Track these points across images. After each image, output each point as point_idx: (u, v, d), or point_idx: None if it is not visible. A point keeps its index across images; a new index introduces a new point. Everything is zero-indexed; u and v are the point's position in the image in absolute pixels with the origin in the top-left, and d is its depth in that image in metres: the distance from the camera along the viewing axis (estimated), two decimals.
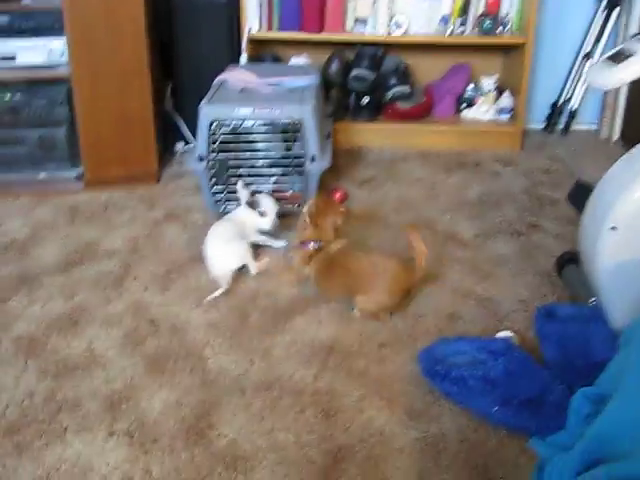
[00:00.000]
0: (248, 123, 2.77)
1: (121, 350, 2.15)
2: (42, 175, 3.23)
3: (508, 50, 3.69)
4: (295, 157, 2.80)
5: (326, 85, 3.45)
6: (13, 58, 3.15)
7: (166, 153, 3.45)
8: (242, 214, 2.68)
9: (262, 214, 2.65)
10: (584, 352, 1.99)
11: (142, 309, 2.34)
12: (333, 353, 2.13)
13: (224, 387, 2.00)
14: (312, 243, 2.36)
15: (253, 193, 2.71)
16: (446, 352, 2.03)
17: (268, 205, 2.68)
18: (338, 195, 3.00)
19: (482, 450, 1.78)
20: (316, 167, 2.79)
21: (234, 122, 2.76)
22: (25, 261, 2.63)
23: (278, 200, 2.74)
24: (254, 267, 2.54)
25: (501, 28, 3.47)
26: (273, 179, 2.83)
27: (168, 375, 2.04)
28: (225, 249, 2.51)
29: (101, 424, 1.87)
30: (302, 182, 2.82)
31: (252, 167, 2.83)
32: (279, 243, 2.71)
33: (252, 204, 2.66)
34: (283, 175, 2.84)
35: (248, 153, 2.81)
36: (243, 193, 2.68)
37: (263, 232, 2.69)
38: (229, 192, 2.83)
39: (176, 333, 2.22)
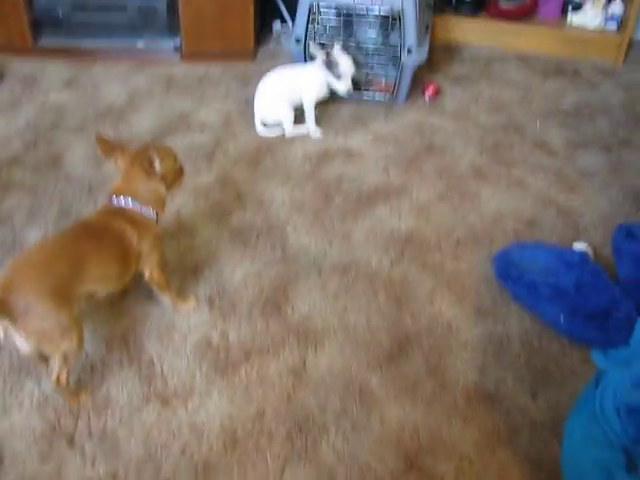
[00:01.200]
0: (350, 11, 2.75)
1: (207, 220, 2.25)
2: (141, 44, 3.29)
3: None
4: (392, 47, 2.78)
5: None
6: None
7: (263, 31, 3.45)
8: (305, 74, 2.68)
9: (338, 76, 2.64)
10: None
11: (230, 183, 2.42)
12: (410, 244, 2.18)
13: (302, 264, 2.09)
14: None
15: (328, 54, 2.65)
16: (521, 256, 2.06)
17: (346, 66, 2.63)
18: (431, 88, 2.98)
19: (543, 355, 1.84)
20: (412, 60, 2.77)
21: (335, 7, 2.74)
22: (121, 127, 2.73)
23: (369, 86, 2.72)
24: (289, 128, 2.64)
25: None
26: (369, 66, 2.83)
27: (250, 248, 2.14)
28: (268, 104, 2.64)
29: (187, 288, 2.00)
30: (396, 73, 2.81)
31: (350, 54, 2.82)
32: (315, 133, 2.71)
33: (329, 64, 2.63)
34: (378, 64, 2.83)
35: (345, 39, 2.80)
36: (318, 53, 2.66)
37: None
38: None
39: (261, 209, 2.31)
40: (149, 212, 1.77)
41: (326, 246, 2.16)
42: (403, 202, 2.37)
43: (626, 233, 2.16)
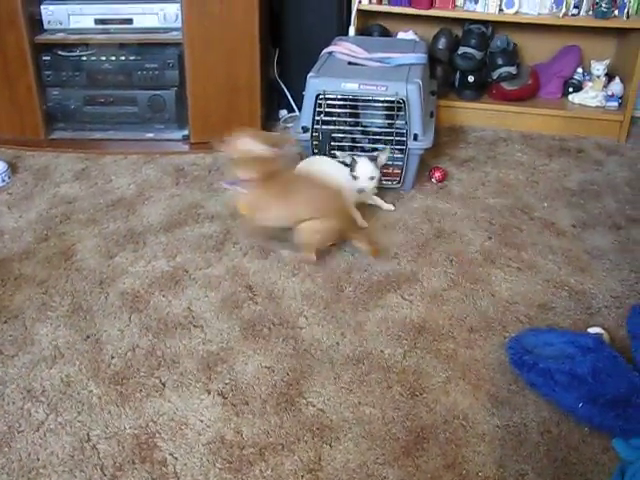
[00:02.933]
0: (356, 97, 2.81)
1: (219, 312, 2.25)
2: (150, 135, 3.35)
3: (623, 34, 3.58)
4: (397, 134, 2.82)
5: (431, 61, 3.44)
6: (130, 21, 3.26)
7: (269, 119, 3.52)
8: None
9: (355, 178, 2.69)
10: None
11: (240, 274, 2.43)
12: (423, 333, 2.17)
13: (315, 357, 2.07)
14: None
15: (352, 159, 2.73)
16: (535, 342, 2.05)
17: (362, 168, 2.69)
18: (437, 173, 3.01)
19: (563, 444, 1.80)
20: (418, 146, 2.82)
21: (340, 95, 2.81)
22: (131, 218, 2.76)
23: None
24: None
25: (617, 11, 3.37)
26: (374, 154, 2.86)
27: (262, 341, 2.13)
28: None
29: (197, 382, 1.98)
30: (403, 159, 2.85)
31: (354, 141, 2.87)
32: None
33: (350, 166, 2.70)
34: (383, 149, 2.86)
35: (351, 127, 2.85)
36: (344, 157, 2.76)
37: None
38: None
39: (272, 300, 2.31)
40: None
41: (338, 337, 2.15)
42: (414, 289, 2.36)
43: None
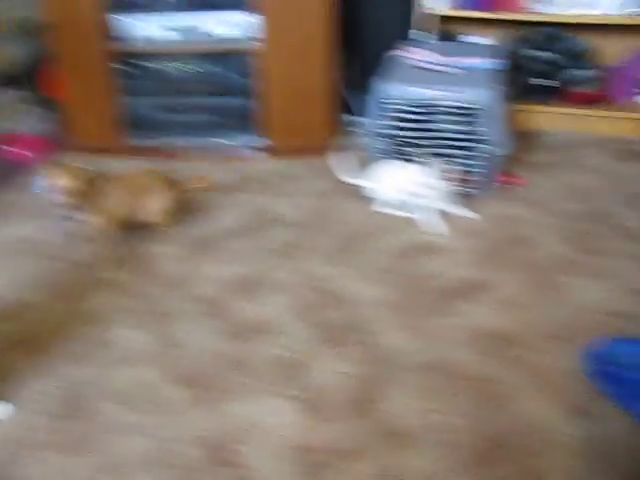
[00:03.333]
0: (429, 103, 2.80)
1: (295, 318, 2.27)
2: (225, 142, 3.41)
3: None
4: (474, 140, 2.80)
5: (505, 65, 3.40)
6: (206, 30, 3.32)
7: (338, 125, 3.53)
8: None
9: (421, 185, 2.69)
10: None
11: (316, 279, 2.46)
12: (497, 340, 2.16)
13: (390, 364, 2.08)
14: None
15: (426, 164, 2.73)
16: (615, 352, 2.00)
17: (428, 177, 2.68)
18: (512, 178, 2.98)
19: None
20: (495, 152, 2.79)
21: (410, 101, 2.80)
22: (206, 223, 2.81)
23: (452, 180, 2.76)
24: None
25: None
26: (446, 160, 2.85)
27: (338, 347, 2.15)
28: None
29: (275, 387, 2.01)
30: (479, 166, 2.83)
31: (425, 147, 2.86)
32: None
33: (419, 172, 2.70)
34: (457, 158, 2.85)
35: (421, 132, 2.84)
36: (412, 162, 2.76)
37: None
38: None
39: (347, 306, 2.32)
40: None
41: (413, 344, 2.15)
42: (488, 296, 2.35)
43: None
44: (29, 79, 3.92)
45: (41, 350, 2.17)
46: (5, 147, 3.51)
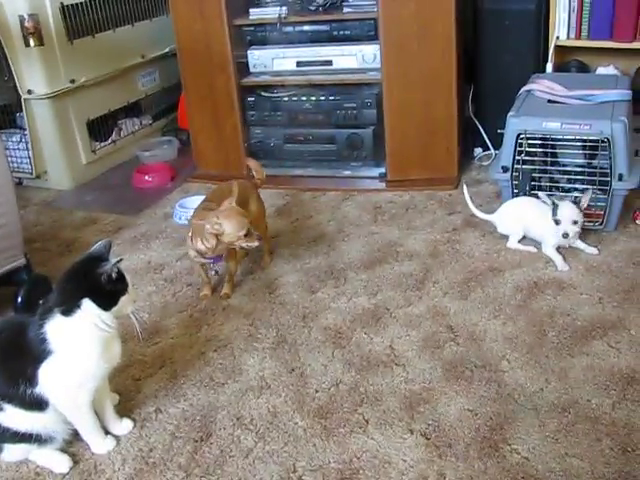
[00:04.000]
0: (555, 136, 2.76)
1: (420, 352, 2.26)
2: (348, 172, 3.46)
3: None
4: (601, 174, 2.73)
5: (634, 96, 3.31)
6: (330, 62, 3.40)
7: (464, 158, 3.52)
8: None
9: (557, 222, 2.64)
10: None
11: (441, 314, 2.44)
12: (633, 384, 2.07)
13: (518, 403, 2.03)
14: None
15: (554, 202, 2.67)
16: None
17: (566, 210, 2.64)
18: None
19: None
20: (623, 186, 2.72)
21: (541, 135, 2.77)
22: (332, 254, 2.85)
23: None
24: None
25: None
26: (575, 194, 2.79)
27: (464, 383, 2.12)
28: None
29: (400, 421, 2.00)
30: (606, 200, 2.75)
31: (553, 180, 2.82)
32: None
33: (552, 209, 2.66)
34: (584, 189, 2.78)
35: (550, 166, 2.80)
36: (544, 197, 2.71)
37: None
38: None
39: (474, 342, 2.29)
40: None
41: (542, 383, 2.10)
42: (621, 337, 2.27)
43: None
44: (164, 110, 4.13)
45: (173, 373, 2.25)
46: (142, 176, 3.70)
